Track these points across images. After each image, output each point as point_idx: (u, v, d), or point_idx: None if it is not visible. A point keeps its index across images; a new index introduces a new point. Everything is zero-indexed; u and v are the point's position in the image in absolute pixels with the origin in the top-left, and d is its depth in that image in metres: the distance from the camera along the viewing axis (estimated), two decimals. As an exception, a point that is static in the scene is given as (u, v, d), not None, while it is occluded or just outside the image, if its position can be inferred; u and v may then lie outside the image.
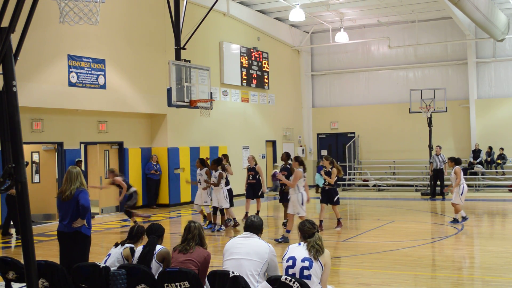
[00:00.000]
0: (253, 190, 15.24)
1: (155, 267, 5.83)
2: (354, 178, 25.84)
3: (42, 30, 14.55)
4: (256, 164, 15.22)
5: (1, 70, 4.44)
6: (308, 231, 5.52)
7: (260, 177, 15.24)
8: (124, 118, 18.08)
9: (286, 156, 13.63)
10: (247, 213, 15.04)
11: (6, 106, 4.39)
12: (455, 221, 13.77)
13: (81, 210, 6.90)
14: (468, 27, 23.54)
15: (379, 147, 26.10)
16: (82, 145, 17.41)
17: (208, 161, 15.05)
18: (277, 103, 25.32)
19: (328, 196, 13.18)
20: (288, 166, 13.33)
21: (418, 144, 24.52)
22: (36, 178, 16.55)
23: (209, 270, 5.58)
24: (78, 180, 7.00)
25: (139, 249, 6.15)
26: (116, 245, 6.52)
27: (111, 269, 5.70)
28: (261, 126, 24.19)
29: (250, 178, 15.14)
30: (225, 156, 14.69)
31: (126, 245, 6.49)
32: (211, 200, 13.84)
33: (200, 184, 13.79)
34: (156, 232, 6.18)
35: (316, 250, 5.36)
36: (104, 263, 6.13)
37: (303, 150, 26.76)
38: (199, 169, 13.85)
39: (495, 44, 24.16)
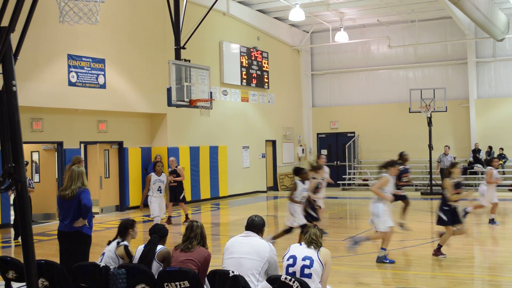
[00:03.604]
0: (175, 193, 14.72)
1: (156, 267, 5.83)
2: (354, 178, 25.85)
3: (42, 29, 14.55)
4: (177, 166, 14.83)
5: (1, 69, 4.44)
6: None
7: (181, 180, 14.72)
8: (124, 117, 18.07)
9: (406, 156, 12.71)
10: (169, 217, 14.69)
11: (6, 106, 4.39)
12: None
13: (83, 210, 6.90)
14: (468, 26, 23.52)
15: (379, 146, 26.07)
16: (82, 145, 17.40)
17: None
18: (277, 102, 25.30)
19: (455, 215, 9.84)
20: (405, 166, 12.50)
21: (418, 144, 24.50)
22: (36, 177, 16.55)
23: (209, 269, 5.58)
24: (80, 180, 7.00)
25: (140, 248, 6.14)
26: (109, 243, 6.49)
27: (111, 268, 5.70)
28: (261, 125, 24.17)
29: (172, 182, 14.56)
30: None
31: (121, 243, 6.43)
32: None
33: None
34: (158, 232, 6.17)
35: (309, 242, 5.53)
36: (100, 262, 6.12)
37: (303, 149, 26.74)
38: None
39: (495, 44, 24.15)
